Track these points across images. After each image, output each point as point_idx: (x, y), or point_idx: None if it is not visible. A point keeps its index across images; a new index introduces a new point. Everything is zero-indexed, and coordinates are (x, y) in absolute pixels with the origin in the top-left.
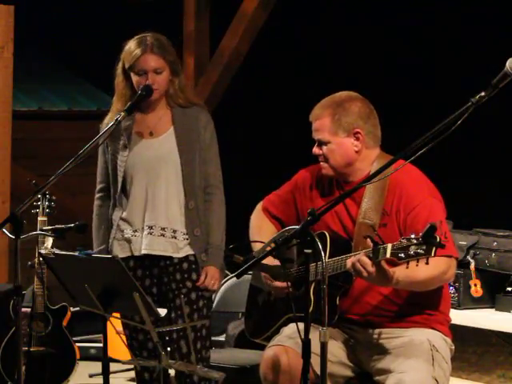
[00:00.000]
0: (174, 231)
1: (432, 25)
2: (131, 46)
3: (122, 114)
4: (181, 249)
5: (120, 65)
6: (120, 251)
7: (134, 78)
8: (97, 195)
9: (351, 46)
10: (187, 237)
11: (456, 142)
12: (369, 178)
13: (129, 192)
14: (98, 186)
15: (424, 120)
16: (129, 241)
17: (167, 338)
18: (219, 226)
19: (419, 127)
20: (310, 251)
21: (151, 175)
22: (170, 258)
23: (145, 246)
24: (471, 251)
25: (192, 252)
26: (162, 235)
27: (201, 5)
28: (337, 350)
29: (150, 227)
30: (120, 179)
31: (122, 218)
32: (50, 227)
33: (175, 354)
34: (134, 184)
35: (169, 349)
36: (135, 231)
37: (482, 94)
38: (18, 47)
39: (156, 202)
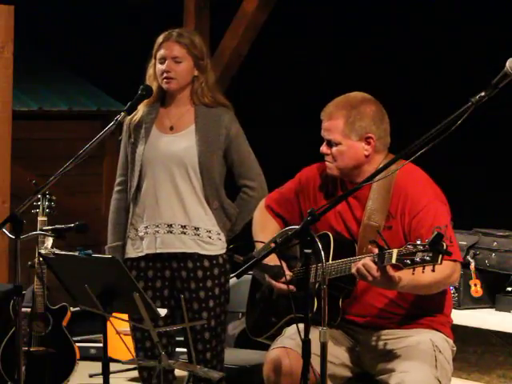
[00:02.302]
0: (197, 229)
1: (432, 25)
2: (159, 36)
3: (122, 114)
4: (208, 246)
5: (152, 58)
6: (132, 250)
7: (156, 67)
8: (115, 188)
9: (351, 45)
10: (218, 236)
11: (456, 142)
12: (369, 178)
13: (144, 187)
14: (118, 179)
15: (424, 120)
16: (142, 238)
17: (198, 337)
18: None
19: (419, 127)
20: (309, 251)
21: (167, 171)
22: (186, 260)
23: (160, 244)
24: (471, 251)
25: (221, 252)
26: (183, 233)
27: (201, 5)
28: (339, 352)
29: (170, 225)
30: (137, 173)
31: (136, 214)
32: (49, 227)
33: (207, 353)
34: (149, 179)
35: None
36: (146, 227)
37: (482, 93)
38: (18, 47)
39: (168, 197)
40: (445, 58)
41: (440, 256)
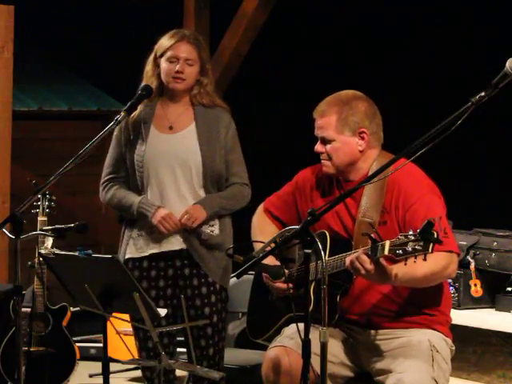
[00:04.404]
0: (200, 226)
1: (432, 25)
2: (167, 35)
3: (122, 113)
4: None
5: (152, 55)
6: (135, 251)
7: (164, 66)
8: (106, 184)
9: (351, 45)
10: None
11: (456, 142)
12: (369, 178)
13: (149, 188)
14: (106, 177)
15: (424, 120)
16: (146, 238)
17: (201, 333)
18: (226, 198)
19: (419, 127)
20: (309, 251)
21: (170, 172)
22: (191, 256)
23: (165, 242)
24: (471, 251)
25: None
26: (186, 231)
27: (201, 5)
28: (338, 351)
29: None
30: (138, 173)
31: None
32: (50, 227)
33: (210, 348)
34: (153, 180)
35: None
36: (152, 227)
37: (482, 94)
38: (18, 47)
39: (171, 197)
40: (445, 58)
41: (431, 244)
